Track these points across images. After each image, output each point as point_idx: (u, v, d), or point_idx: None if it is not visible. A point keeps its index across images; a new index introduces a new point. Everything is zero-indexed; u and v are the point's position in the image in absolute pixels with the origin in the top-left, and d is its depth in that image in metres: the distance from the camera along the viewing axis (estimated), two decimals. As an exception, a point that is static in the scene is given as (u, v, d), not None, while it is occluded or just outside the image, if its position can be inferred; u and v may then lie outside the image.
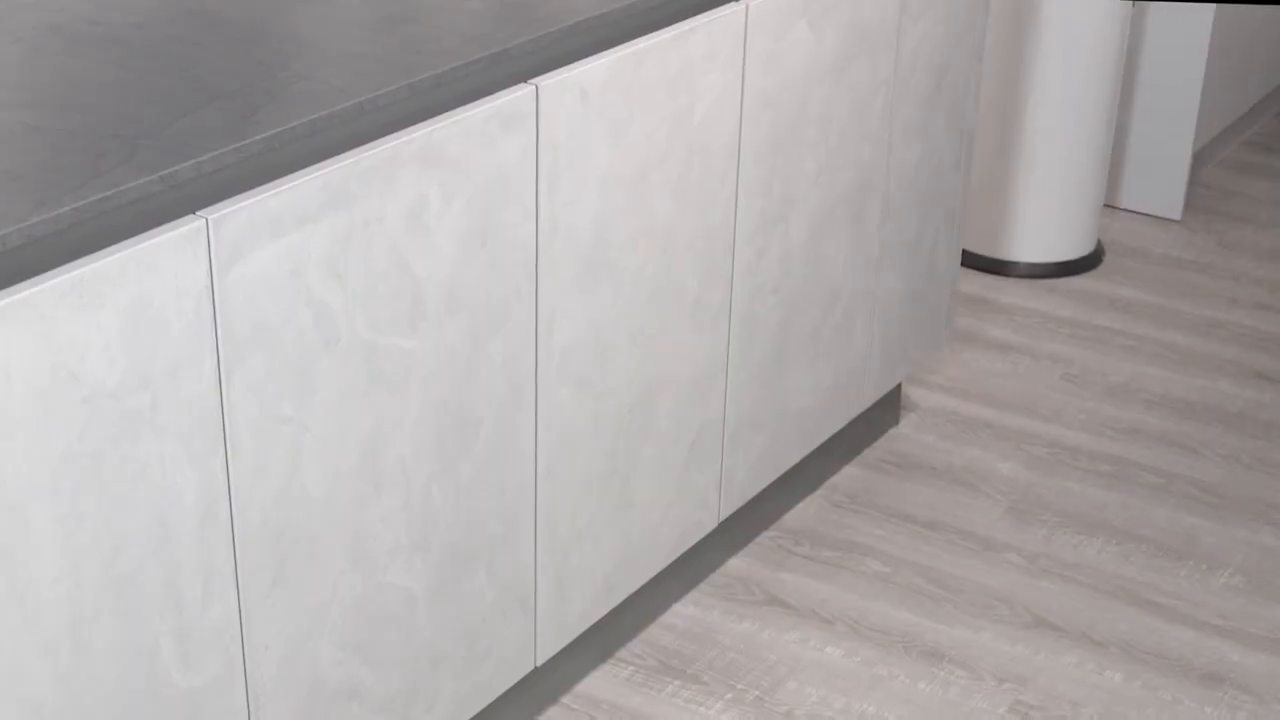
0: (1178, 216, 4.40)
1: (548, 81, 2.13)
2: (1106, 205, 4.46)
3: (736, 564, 2.95)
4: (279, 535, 1.92)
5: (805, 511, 3.10)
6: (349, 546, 2.02)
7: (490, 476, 2.21)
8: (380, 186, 1.91)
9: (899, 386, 3.31)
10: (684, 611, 2.82)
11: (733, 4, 2.44)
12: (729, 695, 2.64)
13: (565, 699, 2.59)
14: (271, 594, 1.92)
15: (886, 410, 3.31)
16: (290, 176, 1.82)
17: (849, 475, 3.20)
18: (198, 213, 1.73)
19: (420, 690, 2.21)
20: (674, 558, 2.71)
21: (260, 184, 1.82)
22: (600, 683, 2.65)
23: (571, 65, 2.18)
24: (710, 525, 2.78)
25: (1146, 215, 4.44)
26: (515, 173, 2.10)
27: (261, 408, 1.84)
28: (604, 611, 2.56)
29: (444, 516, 2.15)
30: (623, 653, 2.72)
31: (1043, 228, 4.03)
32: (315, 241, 1.85)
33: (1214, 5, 4.23)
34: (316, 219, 1.84)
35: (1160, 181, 4.39)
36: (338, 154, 1.91)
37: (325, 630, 2.02)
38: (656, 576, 2.72)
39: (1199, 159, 4.61)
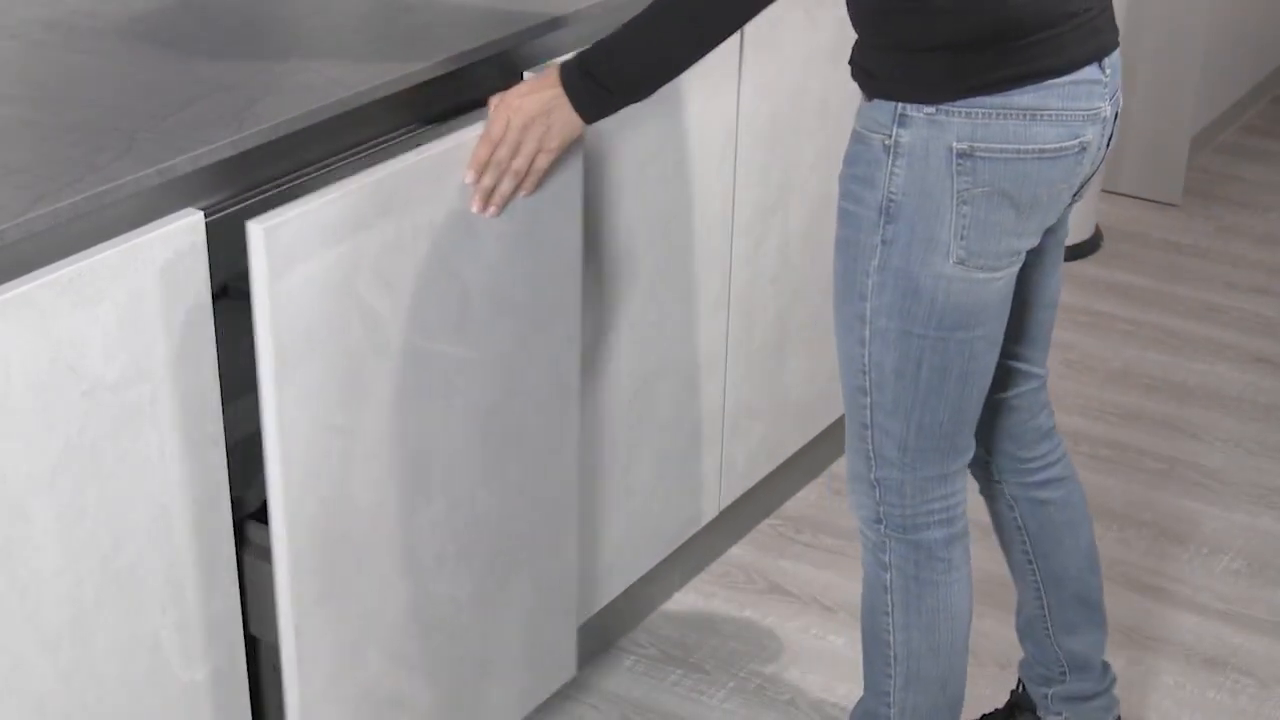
0: (1176, 201, 4.40)
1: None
2: (1105, 190, 4.46)
3: (737, 552, 2.95)
4: (329, 545, 1.88)
5: (806, 499, 3.10)
6: (397, 555, 1.98)
7: (534, 480, 2.16)
8: (431, 190, 1.87)
9: (898, 373, 3.31)
10: (685, 600, 2.82)
11: (729, -8, 2.44)
12: (731, 684, 2.64)
13: (567, 688, 2.59)
14: (322, 604, 1.89)
15: (886, 397, 3.31)
16: (342, 183, 1.78)
17: (849, 463, 3.20)
18: (249, 222, 1.70)
19: (465, 699, 2.17)
20: (675, 546, 2.71)
21: (259, 179, 1.82)
22: (602, 672, 2.65)
23: (569, 56, 2.17)
24: (711, 514, 2.78)
25: (1145, 200, 4.44)
26: (560, 175, 2.05)
27: (312, 417, 1.80)
28: (606, 601, 2.57)
29: (489, 522, 2.11)
30: (624, 642, 2.72)
31: (1041, 213, 4.02)
32: (367, 249, 1.81)
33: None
34: (369, 225, 1.80)
35: (1158, 166, 4.39)
36: (337, 149, 1.91)
37: (374, 640, 1.98)
38: (657, 565, 2.72)
39: (1197, 144, 4.61)
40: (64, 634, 1.71)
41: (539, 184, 1.95)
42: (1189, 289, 3.97)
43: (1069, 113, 1.84)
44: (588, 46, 1.88)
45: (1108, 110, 1.89)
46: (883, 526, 2.07)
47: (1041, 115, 1.82)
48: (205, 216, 1.74)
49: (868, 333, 1.94)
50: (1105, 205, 4.37)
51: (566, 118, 1.87)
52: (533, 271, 2.04)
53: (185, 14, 2.14)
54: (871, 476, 2.04)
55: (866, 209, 1.89)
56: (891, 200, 1.86)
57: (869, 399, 1.99)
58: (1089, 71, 1.85)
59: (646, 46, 1.85)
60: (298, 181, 1.88)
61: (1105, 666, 2.35)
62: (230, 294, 2.46)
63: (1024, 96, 1.81)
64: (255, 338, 1.74)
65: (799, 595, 2.84)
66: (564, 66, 1.87)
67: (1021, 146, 1.83)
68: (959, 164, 1.83)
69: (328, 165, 1.92)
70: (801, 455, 3.05)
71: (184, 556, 1.82)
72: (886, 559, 2.09)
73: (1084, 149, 1.88)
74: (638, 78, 1.86)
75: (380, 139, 1.98)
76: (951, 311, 1.91)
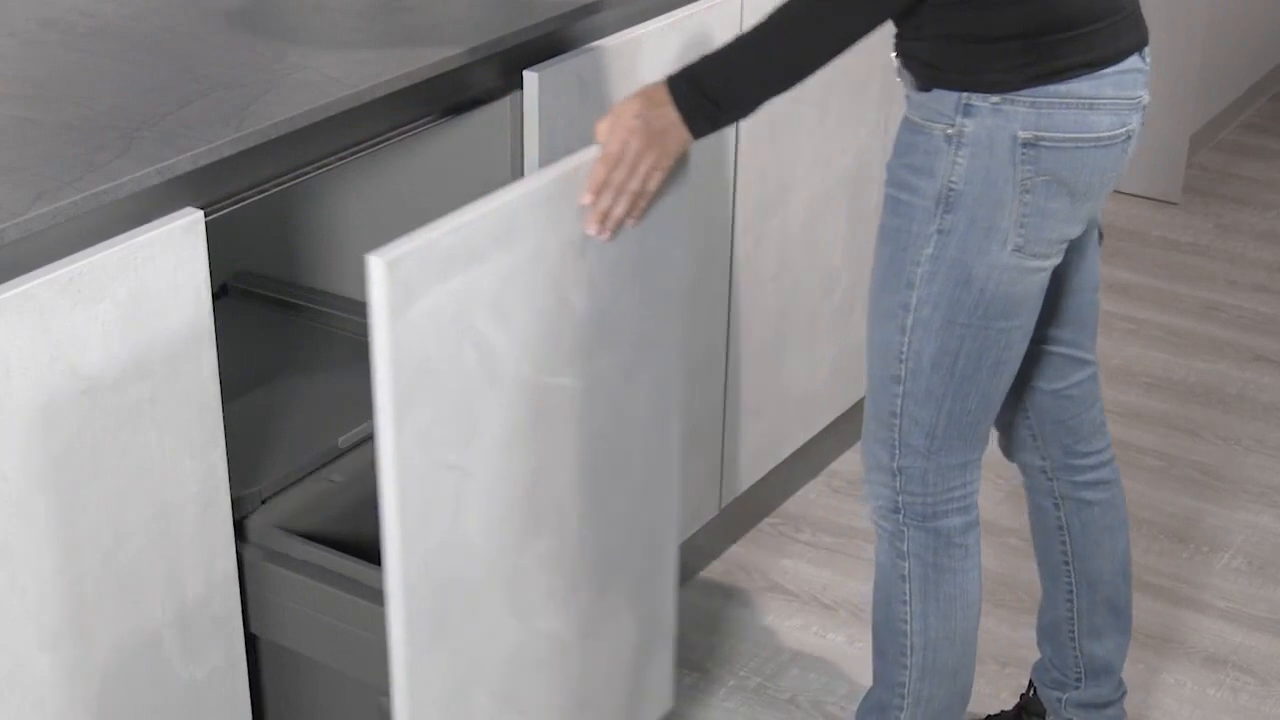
0: (1176, 199, 4.40)
1: (545, 70, 2.12)
2: (1104, 188, 4.45)
3: (737, 551, 2.95)
4: (442, 585, 1.80)
5: (806, 498, 3.10)
6: (506, 594, 1.90)
7: (637, 511, 2.10)
8: (546, 217, 1.79)
9: (898, 372, 3.31)
10: (685, 599, 2.82)
11: (729, -10, 2.44)
12: (731, 682, 2.64)
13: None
14: (433, 646, 1.81)
15: (886, 396, 3.31)
16: (461, 212, 1.69)
17: (849, 461, 3.20)
18: (370, 255, 1.60)
19: None
20: (675, 545, 2.71)
21: (259, 178, 1.82)
22: (602, 671, 2.65)
23: (568, 54, 2.17)
24: (711, 512, 2.78)
25: (1145, 198, 4.44)
26: (669, 195, 1.98)
27: (429, 457, 1.72)
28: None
29: (594, 556, 2.04)
30: (625, 640, 2.72)
31: (1041, 212, 4.02)
32: (484, 279, 1.72)
33: (1210, -13, 4.23)
34: (486, 255, 1.72)
35: (1158, 164, 4.39)
36: (337, 147, 1.91)
37: (483, 680, 1.91)
38: (658, 564, 2.72)
39: (1196, 141, 4.61)
40: (64, 632, 1.71)
41: (650, 205, 1.89)
42: (1189, 287, 3.97)
43: (1119, 101, 1.88)
44: (694, 61, 1.83)
45: (1147, 99, 1.94)
46: (901, 515, 2.08)
47: (1097, 104, 1.86)
48: (205, 215, 1.74)
49: (910, 321, 1.96)
50: (1105, 203, 4.37)
51: (678, 136, 1.83)
52: (640, 296, 1.97)
53: (183, 12, 2.14)
54: (894, 465, 2.05)
55: (922, 198, 1.90)
56: (951, 189, 1.88)
57: (901, 388, 2.01)
58: (1134, 61, 1.89)
59: (762, 62, 1.82)
60: (297, 181, 1.88)
61: (1120, 680, 2.36)
62: (230, 293, 2.47)
63: (1083, 85, 1.85)
64: (373, 375, 1.64)
65: (799, 594, 2.84)
66: (674, 83, 1.82)
67: (1081, 135, 1.87)
68: (1023, 153, 1.86)
69: (327, 164, 1.92)
70: (801, 454, 3.05)
71: (184, 555, 1.82)
72: (904, 548, 2.09)
73: (1130, 137, 1.93)
74: (751, 94, 1.83)
75: (380, 137, 1.98)
76: (998, 301, 1.93)
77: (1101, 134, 1.88)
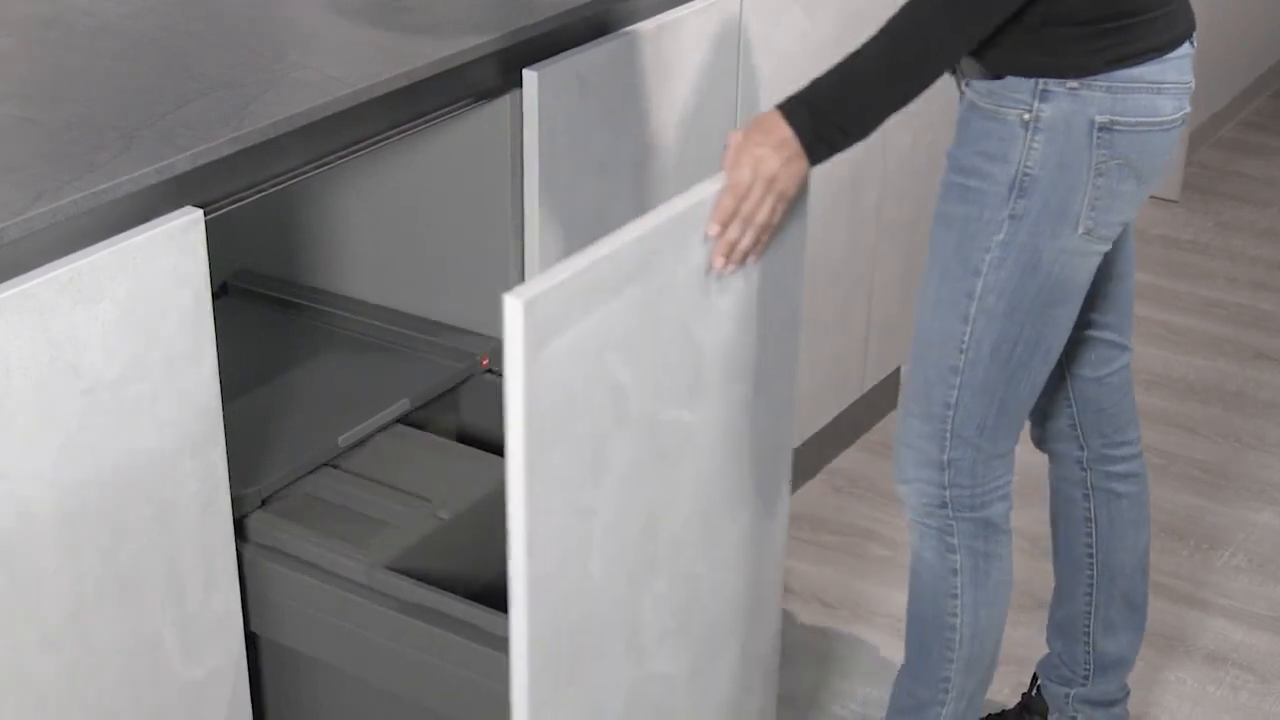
0: (1175, 197, 4.40)
1: (544, 69, 2.12)
2: (1104, 186, 4.45)
3: (738, 549, 2.95)
4: (569, 632, 1.75)
5: (806, 495, 3.10)
6: (625, 637, 1.85)
7: (747, 548, 2.05)
8: (674, 251, 1.75)
9: (898, 369, 3.31)
10: (686, 597, 2.82)
11: (728, -12, 2.44)
12: (732, 680, 2.64)
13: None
14: (558, 695, 1.76)
15: (886, 393, 3.31)
16: (594, 248, 1.64)
17: (849, 459, 3.20)
18: (506, 295, 1.54)
19: None
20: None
21: (258, 177, 1.82)
22: (603, 669, 2.65)
23: (568, 52, 2.17)
24: (711, 511, 2.78)
25: (1144, 196, 4.44)
26: (786, 225, 1.94)
27: (561, 501, 1.67)
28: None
29: (705, 594, 1.99)
30: (625, 639, 2.72)
31: (1040, 209, 4.02)
32: (616, 316, 1.67)
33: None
34: (619, 291, 1.67)
35: (1157, 162, 4.38)
36: (336, 146, 1.91)
37: None
38: (658, 562, 2.71)
39: (1196, 139, 4.61)
40: (65, 632, 1.71)
41: (773, 236, 1.86)
42: (1188, 285, 3.97)
43: (1179, 85, 1.91)
44: (808, 86, 1.82)
45: (1194, 84, 1.97)
46: (949, 509, 2.08)
47: (1163, 88, 1.89)
48: (205, 214, 1.74)
49: (974, 309, 1.96)
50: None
51: (800, 165, 1.81)
52: (758, 328, 1.93)
53: (183, 11, 2.14)
54: (944, 458, 2.05)
55: (994, 184, 1.91)
56: (1027, 174, 1.89)
57: (959, 378, 2.00)
58: (1187, 46, 1.93)
59: (878, 82, 1.81)
60: (296, 180, 1.88)
61: (1125, 679, 2.36)
62: (230, 292, 2.47)
63: (1152, 69, 1.87)
64: (506, 418, 1.59)
65: (800, 592, 2.84)
66: (790, 111, 1.81)
67: (1150, 119, 1.89)
68: (1099, 136, 1.87)
69: (327, 163, 1.92)
70: (802, 451, 3.05)
71: (184, 554, 1.82)
72: (954, 541, 2.10)
73: (1184, 121, 1.95)
74: (870, 115, 1.83)
75: (379, 136, 1.98)
76: (1060, 286, 1.95)
77: (1165, 117, 1.91)
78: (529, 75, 2.11)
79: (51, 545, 1.67)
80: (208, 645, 1.88)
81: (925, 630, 2.17)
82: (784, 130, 1.80)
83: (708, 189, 1.78)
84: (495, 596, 1.95)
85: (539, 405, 1.59)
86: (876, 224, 2.96)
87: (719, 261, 1.79)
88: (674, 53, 2.34)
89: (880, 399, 3.31)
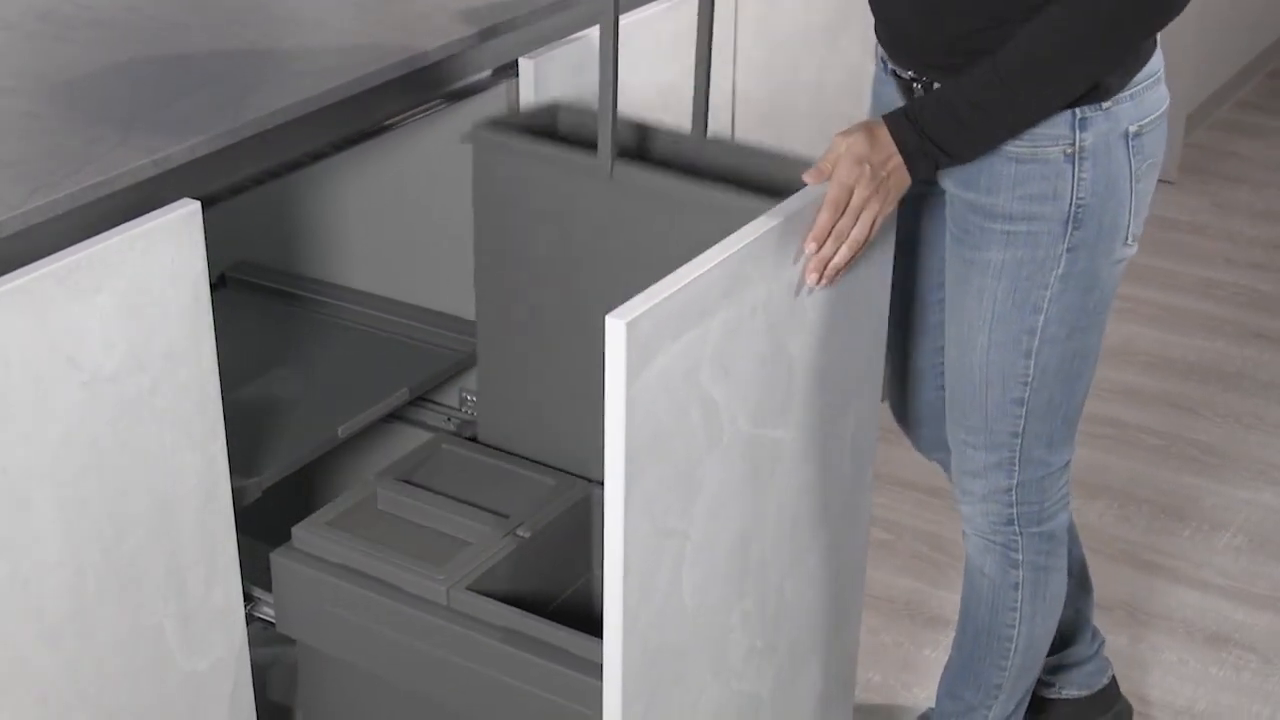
0: (1172, 178, 4.40)
1: (541, 57, 2.12)
2: (1101, 168, 4.45)
3: (738, 535, 2.95)
4: (657, 656, 1.74)
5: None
6: (711, 655, 1.85)
7: (831, 563, 2.06)
8: (769, 267, 1.73)
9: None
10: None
11: (723, -26, 2.44)
12: (734, 666, 2.64)
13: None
14: (646, 717, 1.75)
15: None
16: (693, 265, 1.63)
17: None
18: (609, 317, 1.54)
19: None
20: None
21: (255, 169, 1.82)
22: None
23: (563, 40, 2.17)
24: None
25: (1141, 177, 4.44)
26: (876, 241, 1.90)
27: (653, 523, 1.66)
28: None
29: (791, 611, 1.99)
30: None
31: (1037, 192, 4.02)
32: (710, 334, 1.66)
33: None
34: (714, 310, 1.66)
35: (1154, 143, 4.38)
36: (333, 137, 1.91)
37: None
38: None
39: (1192, 120, 4.60)
40: (65, 625, 1.71)
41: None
42: (1186, 265, 3.97)
43: (1163, 71, 1.91)
44: (920, 103, 1.80)
45: None
46: (1015, 525, 2.07)
47: (1161, 76, 1.90)
48: (202, 206, 1.74)
49: (1037, 343, 1.94)
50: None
51: (900, 180, 1.78)
52: (846, 342, 1.91)
53: (179, 3, 2.14)
54: (1014, 483, 2.04)
55: (1048, 224, 1.87)
56: (1081, 205, 1.86)
57: (1025, 408, 1.98)
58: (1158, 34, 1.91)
59: (996, 111, 1.79)
60: (293, 171, 1.88)
61: (1094, 631, 2.36)
62: (228, 283, 2.47)
63: (1155, 61, 1.87)
64: (606, 441, 1.58)
65: (800, 577, 2.84)
66: (896, 126, 1.78)
67: (1161, 110, 1.90)
68: (1133, 145, 1.87)
69: (324, 154, 1.92)
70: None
71: (185, 547, 1.82)
72: (1018, 556, 2.09)
73: None
74: (977, 143, 1.81)
75: (376, 127, 1.98)
76: (1110, 295, 1.95)
77: (1166, 104, 1.91)
78: (525, 64, 2.10)
79: (52, 539, 1.67)
80: (209, 637, 1.88)
81: (979, 640, 2.17)
82: (887, 143, 1.77)
83: (803, 199, 1.75)
84: (568, 616, 1.94)
85: (638, 427, 1.58)
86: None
87: (813, 278, 1.76)
88: (671, 38, 2.34)
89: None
